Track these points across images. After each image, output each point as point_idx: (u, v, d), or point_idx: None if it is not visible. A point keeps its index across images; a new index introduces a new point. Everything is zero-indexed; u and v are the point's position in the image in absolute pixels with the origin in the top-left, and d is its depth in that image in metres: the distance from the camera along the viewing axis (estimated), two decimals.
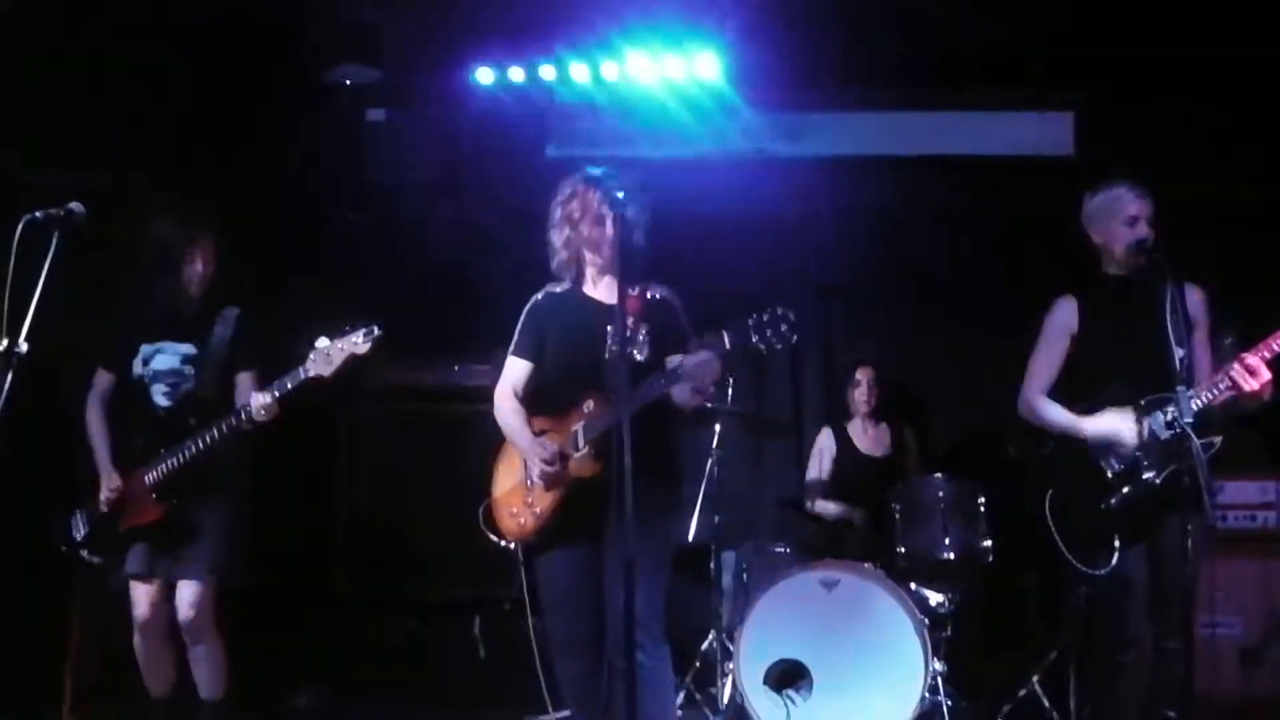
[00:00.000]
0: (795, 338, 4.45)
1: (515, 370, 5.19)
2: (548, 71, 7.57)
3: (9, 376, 4.81)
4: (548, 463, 4.88)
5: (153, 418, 5.93)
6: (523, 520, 5.04)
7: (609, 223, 4.85)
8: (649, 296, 5.03)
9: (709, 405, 6.54)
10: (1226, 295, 5.44)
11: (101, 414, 6.05)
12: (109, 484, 5.87)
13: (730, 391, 7.18)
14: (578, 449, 4.88)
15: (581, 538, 4.91)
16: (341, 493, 8.00)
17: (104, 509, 5.86)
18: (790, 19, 7.10)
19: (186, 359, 5.94)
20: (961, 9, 6.92)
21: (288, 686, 7.50)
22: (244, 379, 5.95)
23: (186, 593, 5.82)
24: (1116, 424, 5.22)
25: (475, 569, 7.54)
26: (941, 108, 8.08)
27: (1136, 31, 7.00)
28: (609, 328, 4.85)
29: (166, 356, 5.94)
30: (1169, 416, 5.08)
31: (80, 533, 5.94)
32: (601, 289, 5.08)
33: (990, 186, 8.05)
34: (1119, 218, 5.36)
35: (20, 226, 4.95)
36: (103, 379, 6.08)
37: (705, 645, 6.92)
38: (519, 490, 5.07)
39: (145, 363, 5.94)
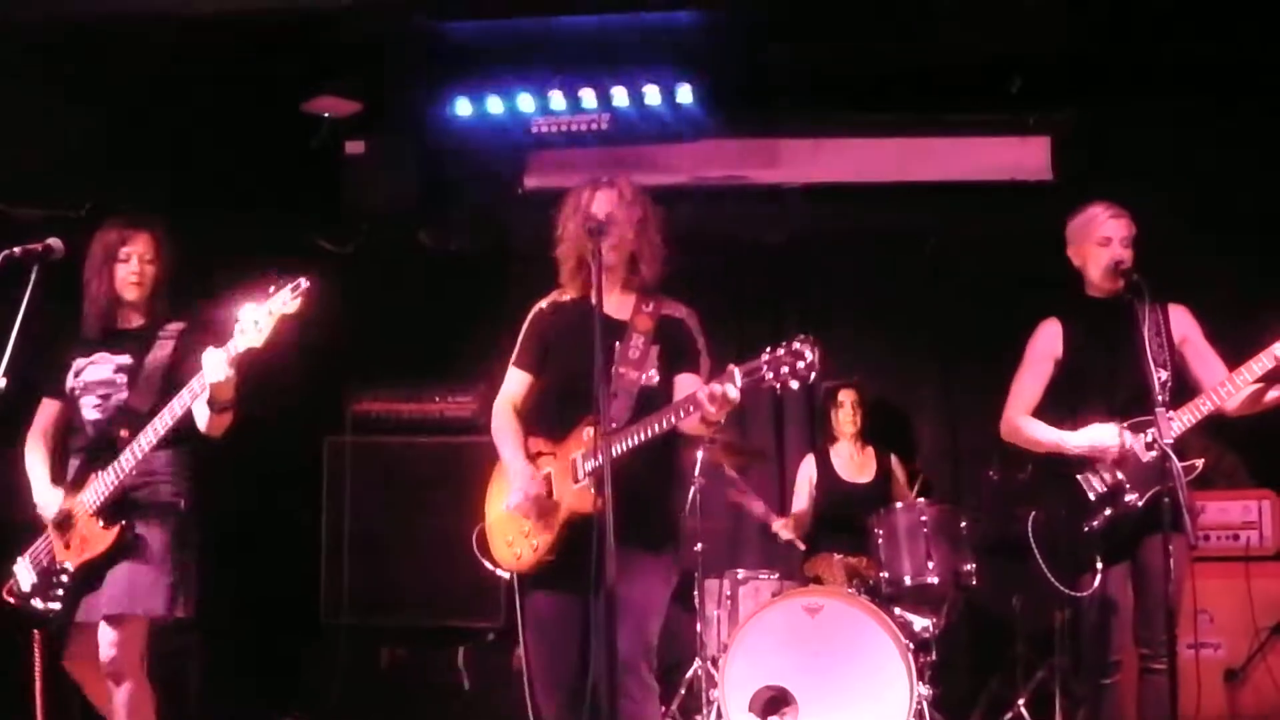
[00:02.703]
0: (813, 376, 4.13)
1: (514, 382, 4.88)
2: (526, 102, 7.57)
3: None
4: (529, 499, 4.58)
5: (84, 435, 5.37)
6: (519, 552, 4.69)
7: (606, 229, 4.55)
8: (662, 313, 4.75)
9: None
10: (1208, 312, 5.46)
11: (41, 445, 5.48)
12: (49, 510, 5.27)
13: None
14: (577, 480, 4.55)
15: (577, 576, 4.40)
16: (323, 524, 7.97)
17: (53, 540, 5.24)
18: (768, 46, 7.11)
19: (120, 369, 5.38)
20: (939, 33, 6.94)
21: (271, 717, 7.47)
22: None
23: (109, 629, 5.11)
24: (1101, 434, 5.21)
25: (459, 599, 7.54)
26: (920, 133, 8.10)
27: (1115, 54, 7.03)
28: (617, 344, 4.61)
29: (99, 367, 5.39)
30: (1150, 438, 5.08)
31: (30, 580, 5.27)
32: (612, 302, 4.67)
33: (970, 211, 8.08)
34: (1093, 238, 5.37)
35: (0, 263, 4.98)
36: (46, 410, 5.52)
37: (690, 673, 6.90)
38: (515, 517, 4.70)
39: (76, 375, 5.39)
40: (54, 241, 5.07)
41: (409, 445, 8.03)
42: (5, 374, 4.88)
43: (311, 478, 8.03)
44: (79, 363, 5.38)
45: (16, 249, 5.02)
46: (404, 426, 8.10)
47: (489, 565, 4.87)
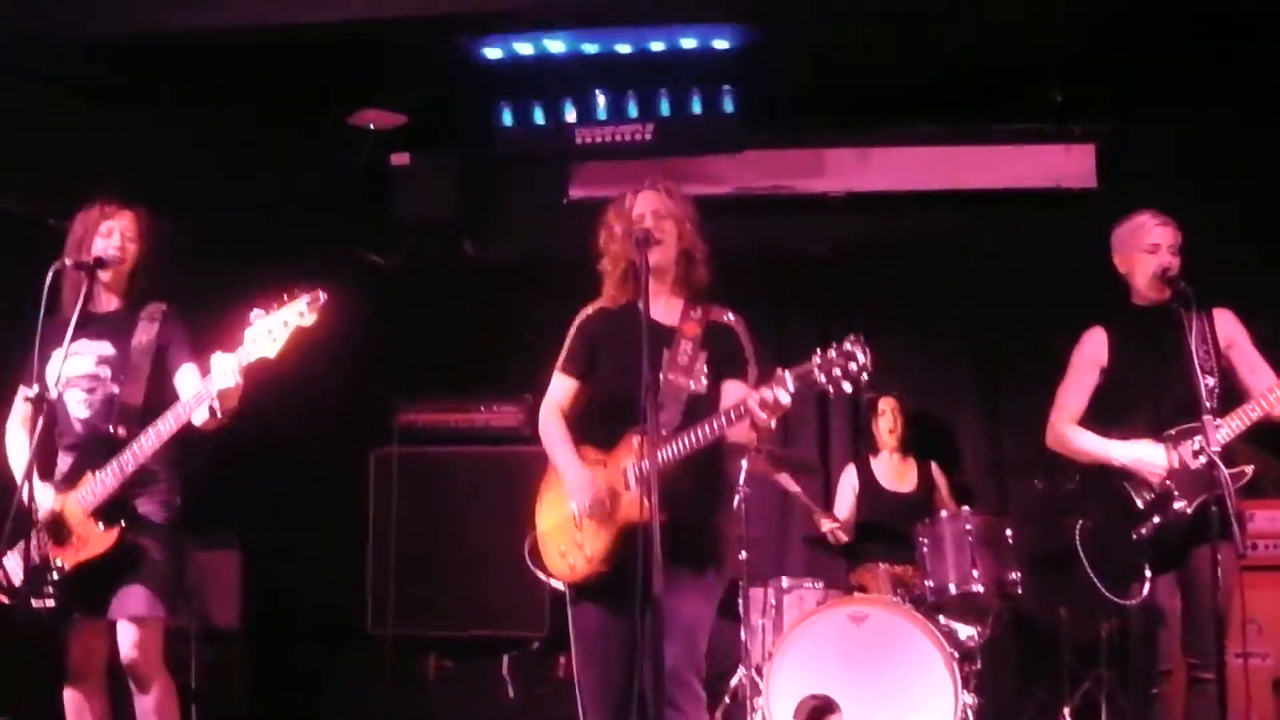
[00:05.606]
0: (865, 377, 4.09)
1: (561, 388, 4.80)
2: (570, 113, 7.61)
3: (40, 422, 4.86)
4: (597, 500, 4.50)
5: (71, 431, 5.14)
6: (573, 561, 4.60)
7: (652, 233, 4.55)
8: (710, 319, 4.69)
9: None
10: (1251, 322, 5.43)
11: (23, 434, 5.20)
12: (39, 507, 4.97)
13: None
14: (628, 489, 4.47)
15: (628, 592, 4.30)
16: (369, 535, 8.01)
17: (45, 538, 4.97)
18: (810, 54, 7.13)
19: (103, 360, 5.13)
20: (983, 42, 6.94)
21: None
22: (187, 371, 5.12)
23: (129, 631, 4.97)
24: (1148, 452, 5.20)
25: (504, 609, 7.56)
26: (964, 142, 8.10)
27: (1159, 62, 7.02)
28: (665, 351, 4.54)
29: (80, 359, 5.11)
30: (1197, 446, 5.06)
31: (17, 577, 4.94)
32: (660, 308, 4.62)
33: (1014, 219, 8.07)
34: (1141, 246, 5.35)
35: (50, 275, 4.99)
36: (22, 397, 5.19)
37: (735, 681, 6.90)
38: (567, 526, 4.62)
39: (57, 368, 5.02)
40: (104, 253, 5.13)
41: (455, 455, 8.06)
42: (57, 385, 4.98)
43: (358, 488, 8.08)
44: (57, 354, 5.01)
45: (68, 260, 5.07)
46: (450, 437, 8.14)
47: (541, 575, 4.81)
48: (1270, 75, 7.00)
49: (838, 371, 4.11)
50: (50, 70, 6.75)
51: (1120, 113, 7.76)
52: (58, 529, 4.98)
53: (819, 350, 4.16)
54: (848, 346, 4.12)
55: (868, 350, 4.11)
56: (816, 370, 4.14)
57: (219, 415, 4.88)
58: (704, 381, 4.58)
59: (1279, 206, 7.41)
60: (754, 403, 4.22)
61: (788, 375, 4.18)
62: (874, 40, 7.04)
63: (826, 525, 7.50)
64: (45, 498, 5.01)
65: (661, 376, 4.51)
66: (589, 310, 4.85)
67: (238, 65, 6.99)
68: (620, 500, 4.51)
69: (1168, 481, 5.14)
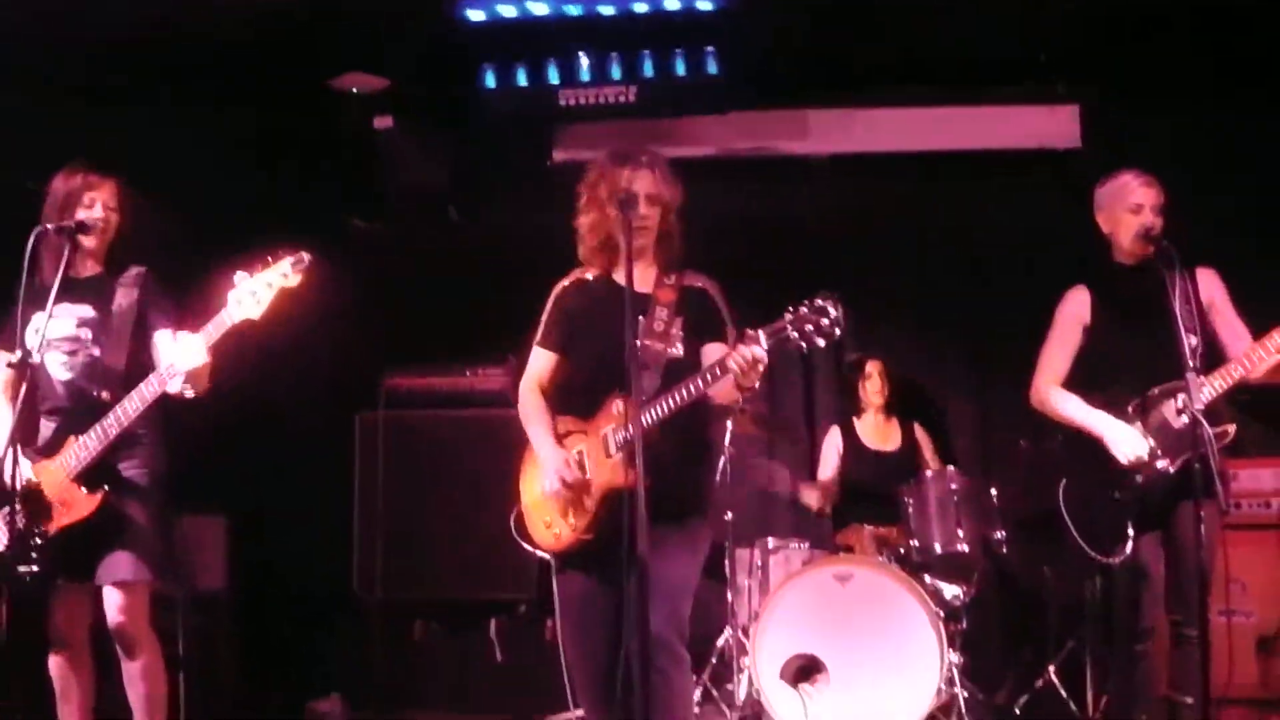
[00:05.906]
0: (838, 332, 4.10)
1: (540, 363, 4.84)
2: (552, 73, 7.57)
3: (24, 386, 4.85)
4: (565, 484, 4.55)
5: (54, 395, 5.13)
6: (558, 532, 4.67)
7: (639, 203, 4.57)
8: (684, 285, 4.73)
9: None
10: (1231, 289, 5.43)
11: (3, 401, 5.17)
12: (21, 469, 4.91)
13: None
14: (610, 455, 4.53)
15: (612, 558, 4.32)
16: (355, 499, 8.00)
17: (19, 505, 4.90)
18: (795, 15, 7.10)
19: (83, 322, 5.13)
20: (968, 3, 6.92)
21: (306, 693, 7.52)
22: (163, 337, 5.10)
23: (115, 596, 4.98)
24: (1124, 435, 5.19)
25: (491, 572, 7.56)
26: (949, 102, 8.07)
27: (1144, 24, 7.00)
28: (641, 318, 4.56)
29: (60, 322, 5.07)
30: (1180, 404, 5.07)
31: (1, 542, 4.92)
32: (635, 276, 4.50)
33: (999, 179, 8.06)
34: (1124, 205, 5.35)
35: (32, 239, 4.99)
36: (4, 363, 5.09)
37: (721, 642, 6.93)
38: (551, 497, 4.68)
39: (37, 331, 4.96)
40: (86, 218, 5.11)
41: (441, 419, 8.04)
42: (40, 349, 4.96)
43: (344, 453, 8.06)
44: (37, 317, 4.99)
45: (50, 224, 5.06)
46: (436, 400, 8.12)
47: (529, 547, 4.88)
48: (1268, 68, 7.00)
49: (810, 328, 4.12)
50: (50, 70, 6.71)
51: (1107, 74, 7.74)
52: (36, 502, 4.97)
53: (791, 308, 4.17)
54: (820, 303, 4.13)
55: (840, 306, 4.12)
56: (789, 326, 4.16)
57: (189, 393, 4.94)
58: (680, 347, 4.62)
59: (1275, 199, 7.40)
60: (732, 363, 4.23)
61: (761, 333, 4.20)
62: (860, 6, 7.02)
63: (811, 501, 7.53)
64: (24, 470, 4.96)
65: (639, 343, 4.51)
66: (565, 282, 4.87)
67: (229, 43, 6.94)
68: (598, 469, 4.56)
69: (1151, 441, 5.15)
